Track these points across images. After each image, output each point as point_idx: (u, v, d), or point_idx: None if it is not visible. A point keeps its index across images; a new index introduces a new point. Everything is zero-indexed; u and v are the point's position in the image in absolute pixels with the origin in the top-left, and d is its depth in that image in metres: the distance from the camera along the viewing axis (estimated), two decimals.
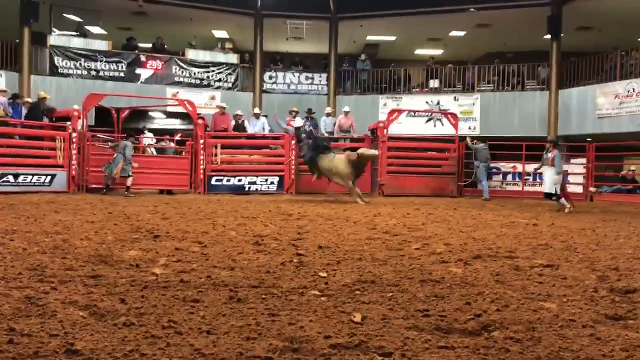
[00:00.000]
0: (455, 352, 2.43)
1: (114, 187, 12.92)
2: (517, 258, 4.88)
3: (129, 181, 12.61)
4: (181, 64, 18.93)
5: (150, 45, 20.05)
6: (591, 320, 2.94)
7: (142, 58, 18.67)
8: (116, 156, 12.52)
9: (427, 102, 19.52)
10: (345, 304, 3.22)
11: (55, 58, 17.61)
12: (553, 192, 10.82)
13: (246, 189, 14.15)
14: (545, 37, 18.64)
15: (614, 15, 18.01)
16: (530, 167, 16.06)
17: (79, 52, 17.91)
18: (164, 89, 18.44)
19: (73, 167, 12.78)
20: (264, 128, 15.65)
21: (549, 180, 10.94)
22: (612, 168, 17.74)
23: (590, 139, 16.49)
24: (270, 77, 20.12)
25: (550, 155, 10.91)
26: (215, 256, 4.66)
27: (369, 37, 21.97)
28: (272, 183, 14.40)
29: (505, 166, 16.34)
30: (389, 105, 19.02)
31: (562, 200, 10.78)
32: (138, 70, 18.49)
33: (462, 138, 15.73)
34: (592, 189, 15.25)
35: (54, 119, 13.80)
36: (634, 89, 16.20)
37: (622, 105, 16.54)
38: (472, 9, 18.37)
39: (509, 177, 16.25)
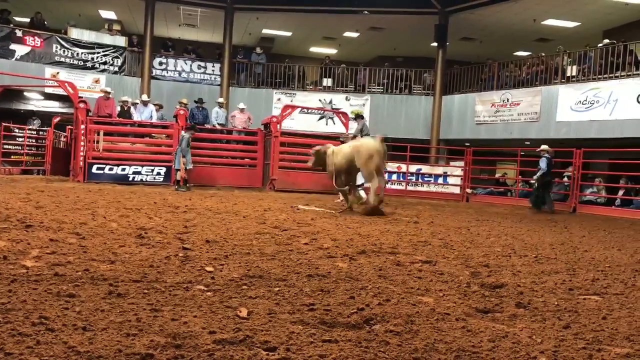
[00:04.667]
0: (338, 345, 2.48)
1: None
2: (399, 254, 5.09)
3: (179, 174, 12.74)
4: (63, 43, 17.72)
5: (27, 20, 18.56)
6: (464, 314, 3.13)
7: (18, 33, 17.24)
8: (176, 150, 12.89)
9: (320, 100, 19.84)
10: (232, 298, 3.18)
11: None
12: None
13: (130, 179, 13.56)
14: (433, 44, 19.63)
15: (493, 30, 19.42)
16: (414, 168, 16.90)
17: None
18: (42, 68, 17.17)
19: None
20: (151, 116, 15.06)
21: None
22: (486, 171, 19.10)
23: (468, 144, 17.66)
24: (161, 64, 19.43)
25: None
26: (94, 249, 4.41)
27: (265, 31, 21.90)
28: (158, 174, 13.91)
29: (390, 166, 17.01)
30: (283, 100, 19.12)
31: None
32: (13, 46, 17.04)
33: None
34: (468, 190, 16.33)
35: None
36: (508, 99, 17.53)
37: (497, 114, 17.85)
38: (365, 12, 18.91)
39: (394, 177, 16.94)
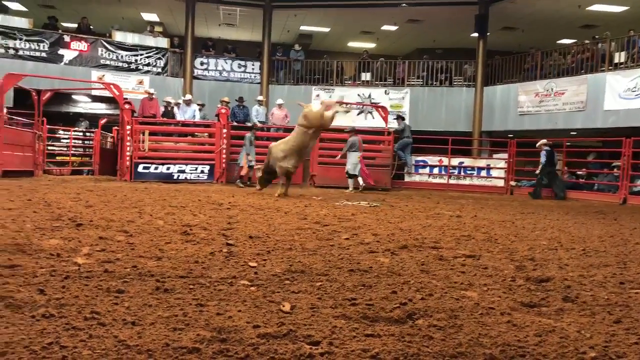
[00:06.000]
0: (381, 339, 2.48)
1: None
2: (441, 248, 5.04)
3: (244, 170, 13.57)
4: (108, 46, 18.20)
5: (74, 25, 19.13)
6: (509, 308, 3.09)
7: (66, 38, 17.80)
8: (242, 149, 13.73)
9: (358, 95, 19.77)
10: (275, 293, 3.22)
11: None
12: (355, 173, 13.50)
13: (175, 177, 13.85)
14: (473, 35, 19.29)
15: (536, 18, 18.92)
16: (456, 161, 16.67)
17: None
18: (89, 71, 17.69)
19: None
20: (194, 115, 15.32)
21: (352, 162, 13.57)
22: (531, 163, 18.66)
23: (511, 135, 17.28)
24: (202, 64, 19.73)
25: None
26: (141, 246, 4.53)
27: (303, 27, 21.96)
28: (202, 172, 14.16)
29: (431, 159, 16.82)
30: (322, 96, 19.13)
31: (360, 179, 13.49)
32: (61, 51, 17.61)
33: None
34: (512, 182, 16.00)
35: None
36: (552, 89, 17.07)
37: (541, 104, 17.41)
38: (404, 4, 18.73)
39: (435, 170, 16.75)
